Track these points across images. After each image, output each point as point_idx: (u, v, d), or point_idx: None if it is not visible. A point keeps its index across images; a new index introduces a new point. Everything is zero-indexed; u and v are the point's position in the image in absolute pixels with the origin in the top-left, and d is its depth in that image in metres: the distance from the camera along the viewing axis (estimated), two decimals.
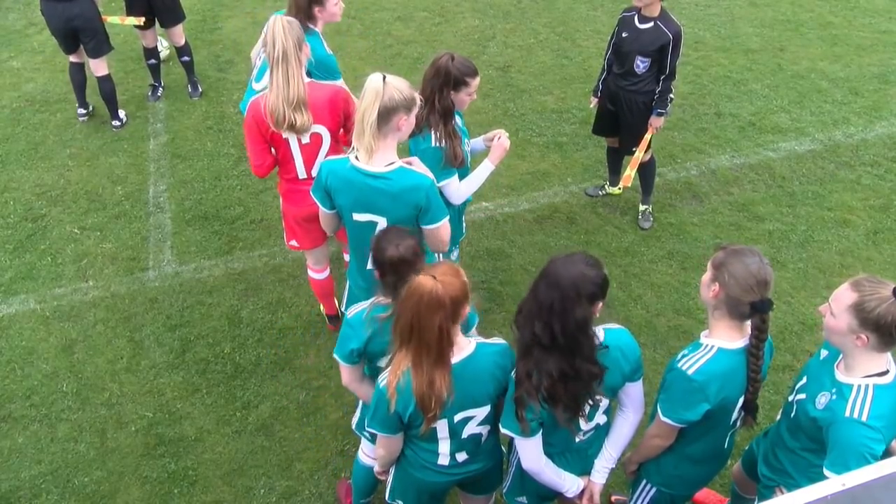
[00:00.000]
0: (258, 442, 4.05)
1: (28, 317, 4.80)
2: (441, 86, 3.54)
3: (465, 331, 2.83)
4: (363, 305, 2.86)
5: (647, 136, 5.05)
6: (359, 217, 3.16)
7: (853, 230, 5.39)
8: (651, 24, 4.76)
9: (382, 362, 2.88)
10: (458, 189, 3.71)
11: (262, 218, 5.50)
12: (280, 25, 3.49)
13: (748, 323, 2.60)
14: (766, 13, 8.28)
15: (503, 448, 2.98)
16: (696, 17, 8.15)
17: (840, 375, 2.53)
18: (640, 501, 3.03)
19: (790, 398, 2.77)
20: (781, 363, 4.35)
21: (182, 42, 6.64)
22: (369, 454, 3.40)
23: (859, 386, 2.45)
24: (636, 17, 4.83)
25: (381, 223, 3.14)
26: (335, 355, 2.92)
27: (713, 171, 5.96)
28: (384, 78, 2.95)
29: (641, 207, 5.48)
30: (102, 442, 4.07)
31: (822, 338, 2.62)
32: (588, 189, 5.75)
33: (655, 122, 5.01)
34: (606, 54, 5.10)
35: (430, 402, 2.47)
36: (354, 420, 3.36)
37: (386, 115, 2.94)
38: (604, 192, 5.74)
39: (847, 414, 2.41)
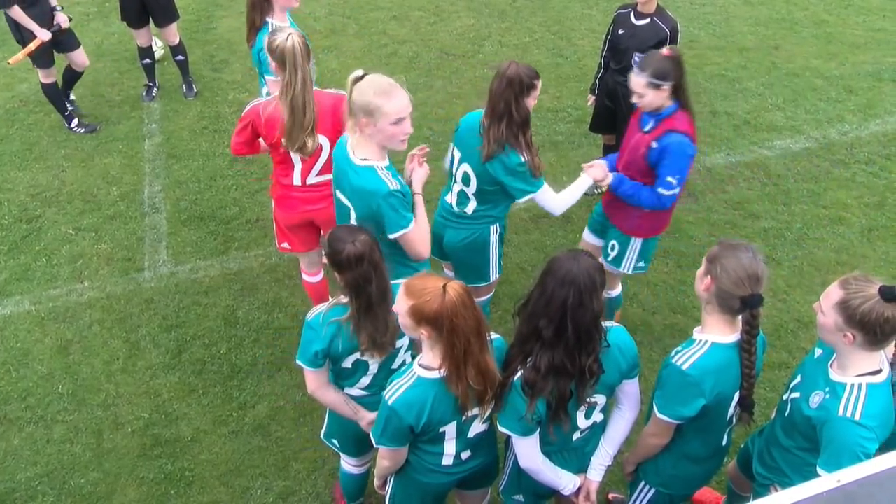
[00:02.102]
0: (255, 442, 4.05)
1: (23, 318, 4.79)
2: (516, 95, 3.48)
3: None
4: (322, 307, 2.84)
5: None
6: (339, 195, 3.25)
7: (848, 228, 5.41)
8: (647, 20, 4.78)
9: (348, 362, 2.88)
10: (555, 199, 3.69)
11: (258, 218, 5.49)
12: (295, 45, 3.46)
13: (740, 318, 2.61)
14: (761, 11, 8.29)
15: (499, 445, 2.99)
16: (690, 15, 8.16)
17: (834, 374, 2.53)
18: (638, 503, 3.03)
19: (784, 397, 2.77)
20: (777, 361, 4.36)
21: (176, 41, 6.62)
22: (351, 463, 3.41)
23: (852, 385, 2.46)
24: (632, 14, 4.84)
25: (352, 211, 3.20)
26: (298, 361, 2.87)
27: (708, 170, 5.96)
28: (363, 76, 2.98)
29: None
30: (99, 443, 4.06)
31: (818, 335, 2.63)
32: (586, 189, 5.74)
33: None
34: (602, 52, 5.10)
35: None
36: (323, 430, 3.32)
37: (350, 110, 3.01)
38: (599, 190, 5.74)
39: (840, 413, 2.41)
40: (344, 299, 2.79)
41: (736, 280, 2.50)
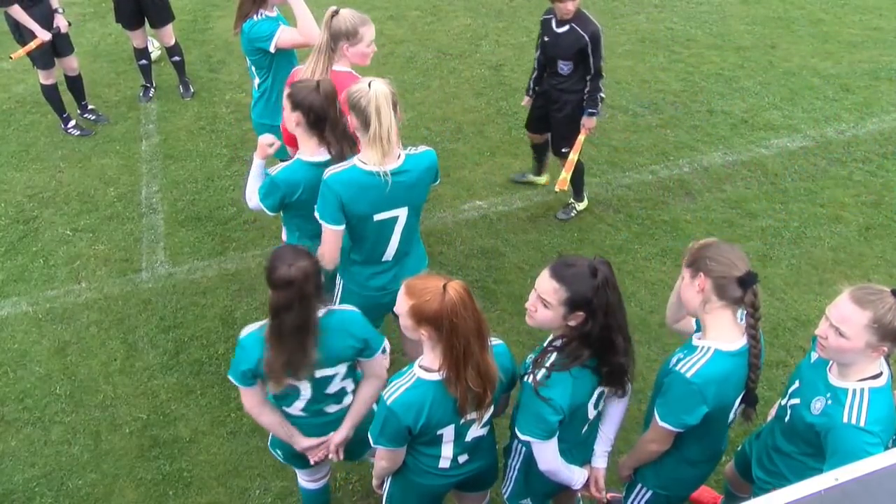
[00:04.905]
0: (253, 443, 4.04)
1: (20, 319, 4.78)
2: None
3: (371, 355, 2.86)
4: (257, 325, 2.78)
5: (581, 138, 5.00)
6: (380, 216, 3.16)
7: (845, 226, 5.41)
8: (567, 27, 4.70)
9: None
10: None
11: (255, 218, 5.48)
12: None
13: (742, 324, 2.58)
14: (758, 10, 8.30)
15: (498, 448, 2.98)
16: (687, 14, 8.17)
17: (834, 379, 2.51)
18: None
19: (783, 402, 2.75)
20: (776, 359, 4.36)
21: (172, 42, 6.61)
22: (303, 477, 3.37)
23: (854, 390, 2.43)
24: (553, 21, 4.77)
25: (402, 214, 3.19)
26: (230, 377, 2.82)
27: (706, 169, 5.97)
28: (374, 81, 2.98)
29: (570, 201, 5.52)
30: (96, 444, 4.05)
31: (827, 356, 2.55)
32: (513, 175, 5.79)
33: (588, 122, 4.96)
34: (536, 54, 5.07)
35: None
36: (269, 438, 3.26)
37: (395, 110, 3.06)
38: (526, 178, 5.78)
39: (845, 420, 2.39)
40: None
41: (728, 263, 2.48)
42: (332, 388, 2.90)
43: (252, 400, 2.86)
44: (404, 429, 2.53)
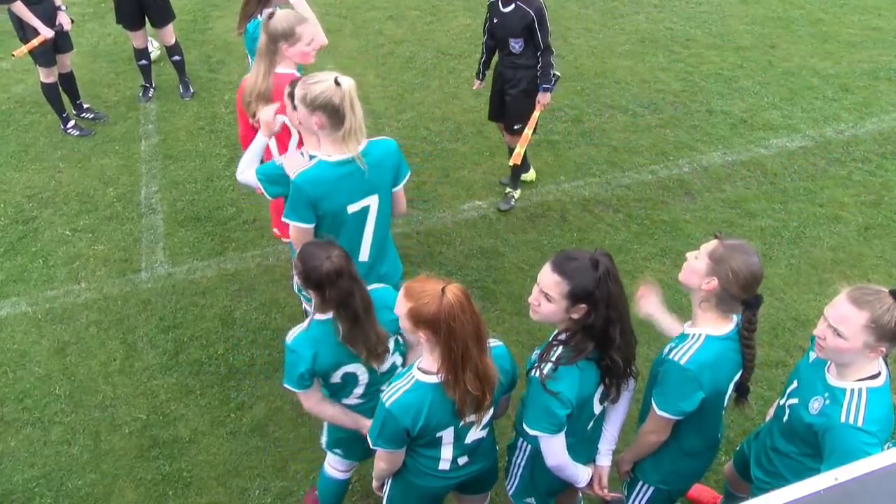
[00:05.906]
0: (253, 443, 4.04)
1: (20, 319, 4.77)
2: None
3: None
4: (300, 327, 2.83)
5: (535, 114, 5.09)
6: (353, 208, 3.15)
7: (844, 226, 5.41)
8: (512, 6, 4.86)
9: (336, 377, 2.88)
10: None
11: (255, 218, 5.48)
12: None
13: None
14: (757, 10, 8.31)
15: (497, 448, 2.98)
16: (687, 14, 8.18)
17: (832, 379, 2.51)
18: (638, 502, 3.02)
19: (781, 402, 2.75)
20: (775, 359, 4.36)
21: (172, 41, 6.62)
22: (336, 467, 3.38)
23: (852, 390, 2.43)
24: (500, 2, 4.92)
25: (374, 202, 3.18)
26: (286, 386, 2.85)
27: (705, 169, 5.97)
28: (338, 77, 3.02)
29: (506, 189, 5.59)
30: (96, 444, 4.05)
31: (825, 356, 2.55)
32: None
33: (543, 98, 5.05)
34: (484, 38, 5.19)
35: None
36: (323, 439, 3.30)
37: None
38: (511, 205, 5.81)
39: (843, 420, 2.39)
40: (321, 316, 2.77)
41: (744, 284, 2.50)
42: (385, 366, 2.94)
43: (312, 400, 2.91)
44: (402, 430, 2.53)
